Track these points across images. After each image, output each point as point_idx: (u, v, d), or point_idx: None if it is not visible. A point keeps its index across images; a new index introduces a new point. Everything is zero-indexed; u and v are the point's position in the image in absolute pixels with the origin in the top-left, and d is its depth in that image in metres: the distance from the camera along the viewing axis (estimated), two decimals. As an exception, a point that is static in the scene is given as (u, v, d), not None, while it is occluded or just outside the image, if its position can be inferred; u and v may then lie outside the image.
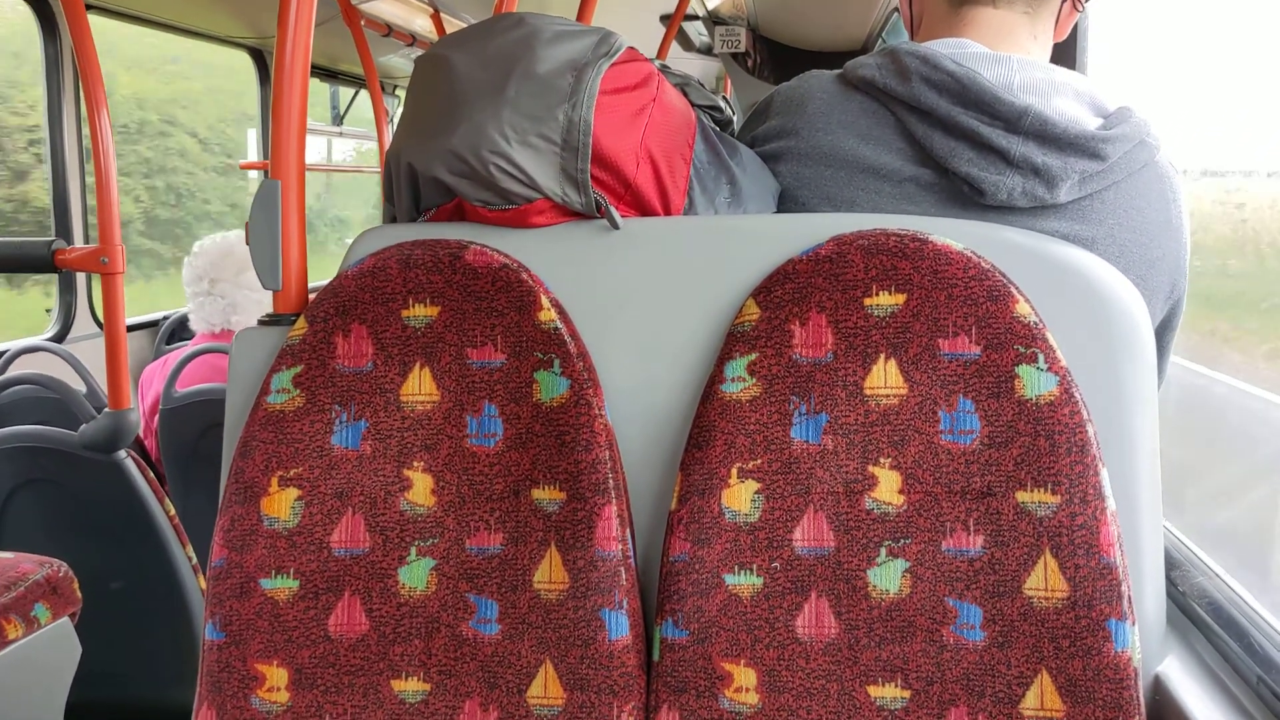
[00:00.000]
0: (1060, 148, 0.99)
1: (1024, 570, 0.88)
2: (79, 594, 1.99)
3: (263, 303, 2.93)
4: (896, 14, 3.99)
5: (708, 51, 5.13)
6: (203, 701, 0.98)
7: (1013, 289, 0.91)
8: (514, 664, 0.94)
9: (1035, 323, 0.90)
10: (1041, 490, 0.88)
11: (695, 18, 4.70)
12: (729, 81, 5.53)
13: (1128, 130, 1.01)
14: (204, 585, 2.27)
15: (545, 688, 0.93)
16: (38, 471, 2.26)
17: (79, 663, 1.99)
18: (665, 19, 4.36)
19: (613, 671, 0.92)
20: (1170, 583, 1.05)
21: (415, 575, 0.97)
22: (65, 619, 1.95)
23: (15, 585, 1.87)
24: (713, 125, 1.10)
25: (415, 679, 0.96)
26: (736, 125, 1.21)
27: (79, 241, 3.44)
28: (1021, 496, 0.89)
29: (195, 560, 2.28)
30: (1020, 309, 0.90)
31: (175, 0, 3.73)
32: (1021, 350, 0.89)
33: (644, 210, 1.02)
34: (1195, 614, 1.03)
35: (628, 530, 0.95)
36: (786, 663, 0.91)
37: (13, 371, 2.77)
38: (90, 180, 3.43)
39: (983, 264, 0.91)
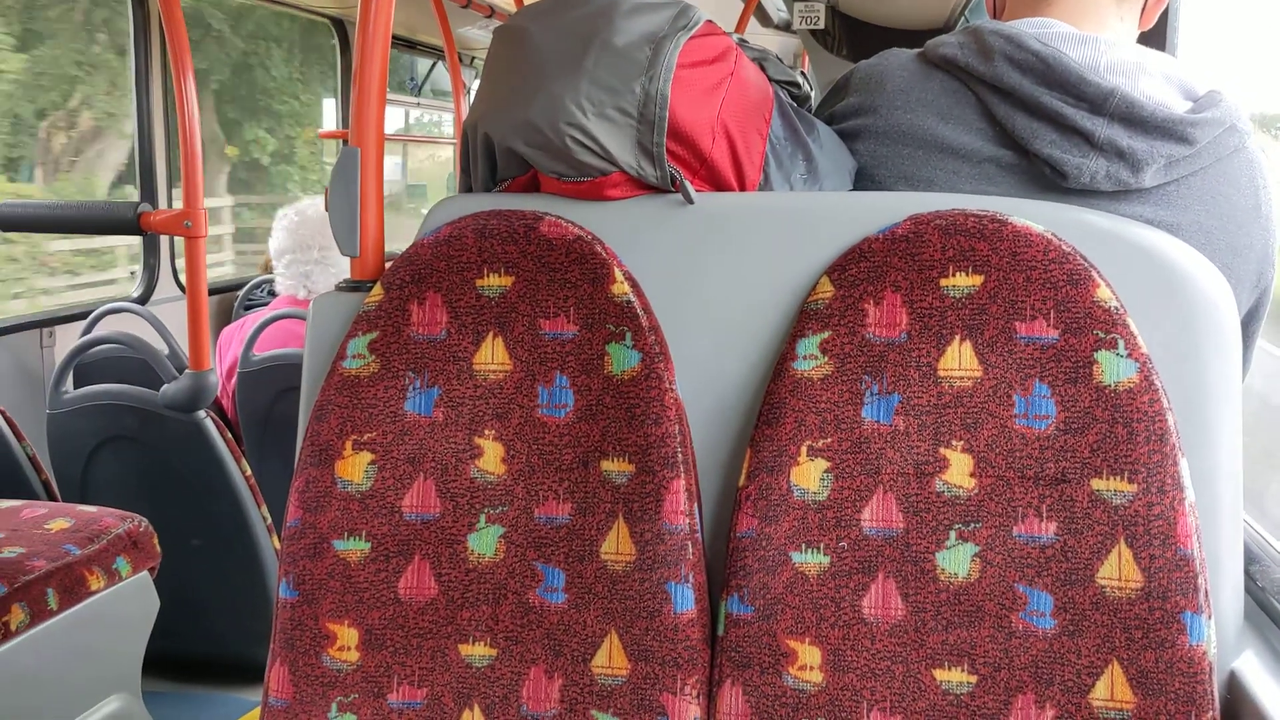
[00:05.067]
0: (1147, 131, 0.97)
1: (1097, 559, 0.87)
2: (158, 549, 2.05)
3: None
4: (980, -9, 3.91)
5: (786, 27, 5.07)
6: (276, 658, 1.00)
7: (1093, 273, 0.89)
8: (579, 633, 0.95)
9: (1116, 308, 0.88)
10: (1118, 478, 0.87)
11: (774, -8, 4.65)
12: (806, 58, 5.47)
13: (1217, 115, 0.99)
14: (277, 545, 2.33)
15: (610, 658, 0.94)
16: (120, 429, 2.33)
17: (157, 615, 2.06)
18: (744, -7, 4.32)
19: (677, 644, 0.93)
20: (1249, 577, 1.02)
21: (484, 542, 0.98)
22: (145, 573, 2.01)
23: (98, 538, 1.93)
24: (790, 101, 1.09)
25: (482, 644, 0.98)
26: (814, 102, 1.20)
27: (163, 205, 3.53)
28: (1097, 484, 0.87)
29: (270, 520, 2.34)
30: (1101, 293, 0.88)
31: (259, -30, 3.79)
32: (1101, 335, 0.88)
33: (719, 185, 1.02)
34: (1275, 610, 1.01)
35: (695, 505, 0.95)
36: (852, 643, 0.91)
37: (98, 331, 2.85)
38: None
39: (1063, 246, 0.90)
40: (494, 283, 1.00)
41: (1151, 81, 1.00)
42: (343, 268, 2.89)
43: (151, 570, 2.04)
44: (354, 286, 1.10)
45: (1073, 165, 0.98)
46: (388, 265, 1.06)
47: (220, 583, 2.37)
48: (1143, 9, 1.12)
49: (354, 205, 1.10)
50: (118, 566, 1.92)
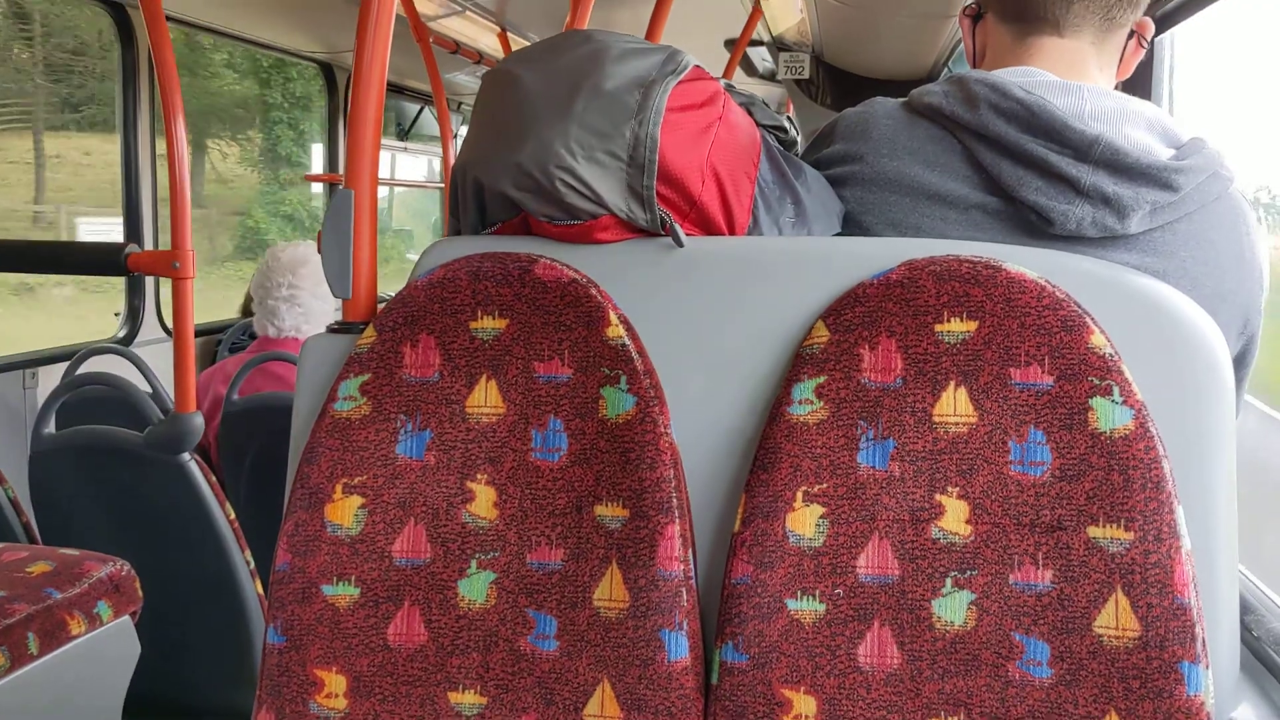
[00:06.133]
0: (1132, 177, 0.97)
1: (1094, 607, 0.86)
2: (140, 593, 2.03)
3: (331, 315, 2.97)
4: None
5: (771, 77, 5.13)
6: (262, 704, 0.99)
7: (1088, 320, 0.89)
8: (571, 681, 0.94)
9: (1111, 355, 0.88)
10: (1114, 526, 0.87)
11: (760, 43, 4.70)
12: (791, 106, 5.52)
13: (1201, 161, 1.00)
14: (260, 589, 2.30)
15: (602, 706, 0.93)
16: (103, 471, 2.30)
17: (138, 660, 2.03)
18: (730, 44, 4.36)
19: (670, 693, 0.92)
20: (1244, 628, 1.02)
21: (475, 588, 0.97)
22: (126, 617, 1.98)
23: (79, 582, 1.90)
24: (777, 145, 1.10)
25: (472, 692, 0.96)
26: (800, 148, 1.21)
27: (149, 246, 3.52)
28: (1093, 532, 0.87)
29: (253, 564, 2.31)
30: (1095, 340, 0.89)
31: (249, 15, 3.83)
32: (1096, 382, 0.88)
33: (708, 228, 1.02)
34: (1270, 660, 1.01)
35: (690, 550, 0.94)
36: (847, 692, 0.90)
37: (82, 372, 2.83)
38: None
39: (1057, 293, 0.90)
40: (488, 325, 0.99)
41: (1135, 128, 1.01)
42: (311, 308, 2.92)
43: (133, 614, 2.01)
44: (346, 328, 1.10)
45: (1059, 212, 0.98)
46: (380, 307, 1.06)
47: (202, 627, 2.34)
48: (1120, 59, 1.14)
49: (347, 247, 1.10)
50: (99, 611, 1.90)
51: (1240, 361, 1.08)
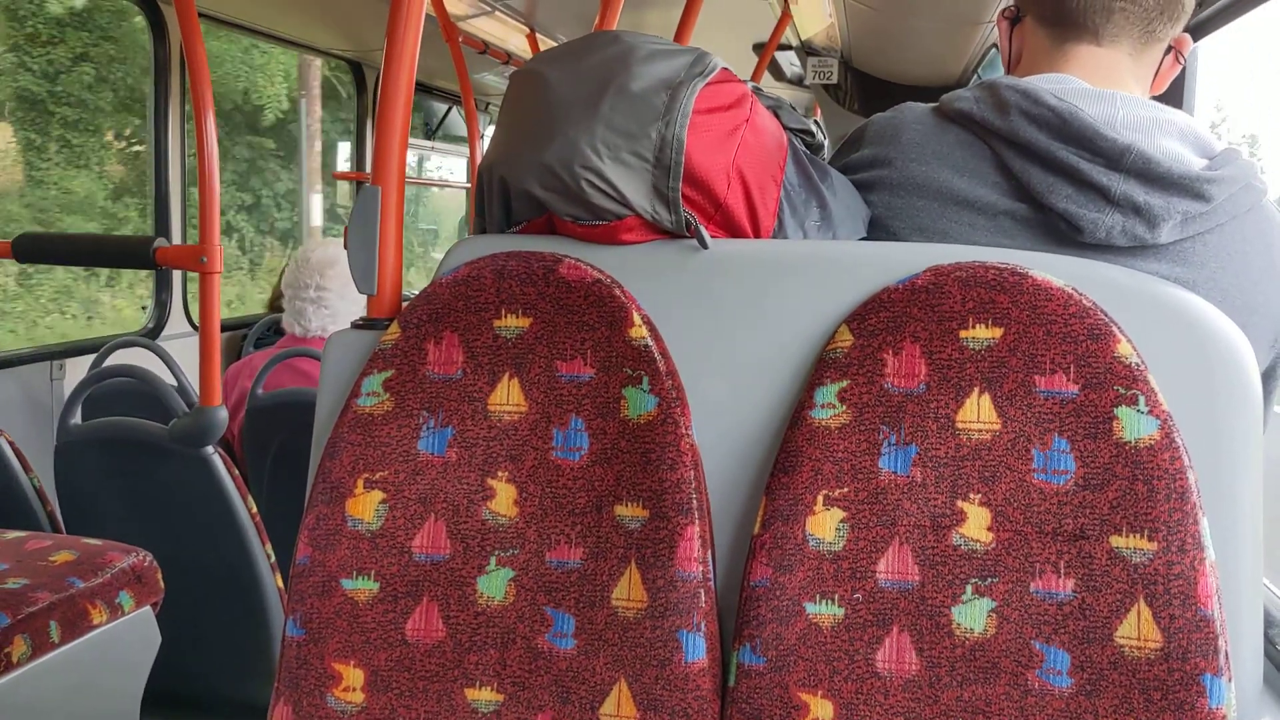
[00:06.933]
0: (1163, 187, 0.97)
1: (1116, 617, 0.86)
2: (162, 584, 2.04)
3: (357, 315, 2.98)
4: (994, 50, 3.95)
5: (799, 82, 5.12)
6: (280, 697, 0.99)
7: (1114, 328, 0.89)
8: (588, 680, 0.94)
9: (1137, 364, 0.88)
10: (1137, 536, 0.86)
11: (788, 47, 4.70)
12: (819, 111, 5.51)
13: (1234, 172, 0.99)
14: (280, 584, 2.31)
15: (619, 706, 0.93)
16: (127, 463, 2.32)
17: (158, 651, 2.04)
18: (759, 47, 4.37)
19: (687, 694, 0.92)
20: (1268, 641, 1.01)
21: (494, 585, 0.98)
22: (147, 608, 2.00)
23: (101, 572, 1.92)
24: (804, 149, 1.10)
25: (489, 689, 0.96)
26: (827, 152, 1.20)
27: (177, 240, 3.55)
28: (1116, 541, 0.86)
29: (273, 558, 2.33)
30: (1122, 349, 0.88)
31: (281, 13, 3.86)
32: (1121, 391, 0.87)
33: (733, 231, 1.02)
34: None
35: (709, 552, 0.94)
36: (865, 697, 0.90)
37: (108, 364, 2.85)
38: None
39: (1084, 301, 0.90)
40: (511, 324, 1.00)
41: (1168, 138, 1.00)
42: (338, 310, 2.94)
43: (154, 605, 2.03)
44: (370, 324, 1.10)
45: (1089, 220, 0.98)
46: (404, 304, 1.06)
47: (222, 619, 2.35)
48: (1155, 73, 1.13)
49: (373, 244, 1.10)
50: (120, 601, 1.91)
51: (1270, 374, 1.07)
